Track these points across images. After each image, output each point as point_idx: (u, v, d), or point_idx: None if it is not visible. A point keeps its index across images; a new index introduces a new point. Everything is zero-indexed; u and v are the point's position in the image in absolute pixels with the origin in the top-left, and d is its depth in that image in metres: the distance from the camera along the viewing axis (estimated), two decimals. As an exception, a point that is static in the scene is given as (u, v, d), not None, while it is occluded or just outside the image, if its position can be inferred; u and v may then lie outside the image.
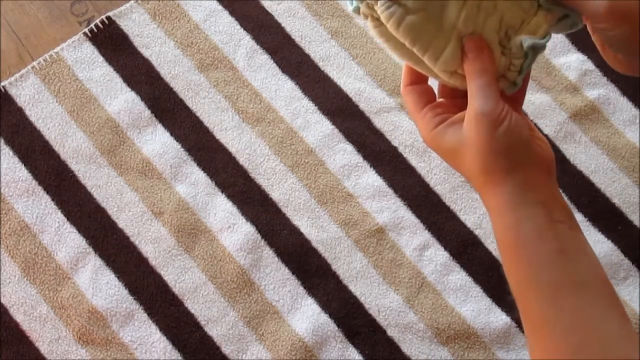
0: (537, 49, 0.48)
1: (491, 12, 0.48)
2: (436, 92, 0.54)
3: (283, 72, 0.89)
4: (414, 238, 0.83)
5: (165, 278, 0.81)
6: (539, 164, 0.48)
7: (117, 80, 0.87)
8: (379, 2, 0.48)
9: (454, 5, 0.48)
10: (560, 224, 0.47)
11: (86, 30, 0.89)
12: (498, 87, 0.48)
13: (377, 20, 0.49)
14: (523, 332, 0.80)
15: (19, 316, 0.79)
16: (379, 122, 0.87)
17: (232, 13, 0.91)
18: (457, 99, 0.52)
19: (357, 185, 0.85)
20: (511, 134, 0.46)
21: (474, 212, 0.84)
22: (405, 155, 0.86)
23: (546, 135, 0.87)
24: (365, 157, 0.86)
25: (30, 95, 0.86)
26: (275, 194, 0.84)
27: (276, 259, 0.82)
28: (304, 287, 0.81)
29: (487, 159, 0.47)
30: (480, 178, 0.48)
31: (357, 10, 0.50)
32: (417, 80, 0.53)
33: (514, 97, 0.52)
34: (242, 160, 0.85)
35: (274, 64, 0.89)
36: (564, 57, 0.90)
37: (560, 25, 0.49)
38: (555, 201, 0.48)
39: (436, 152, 0.51)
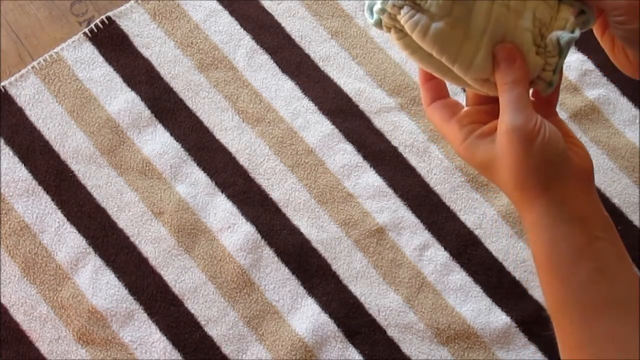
0: (570, 45, 0.46)
1: (522, 11, 0.46)
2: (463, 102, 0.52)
3: (283, 72, 0.89)
4: (414, 238, 0.83)
5: (165, 278, 0.81)
6: (577, 174, 0.46)
7: (117, 80, 0.87)
8: (402, 11, 0.45)
9: (481, 7, 0.45)
10: (600, 241, 0.45)
11: (86, 30, 0.89)
12: (530, 98, 0.45)
13: (400, 31, 0.46)
14: (523, 332, 0.80)
15: (19, 316, 0.79)
16: (379, 122, 0.87)
17: (232, 13, 0.91)
18: (485, 104, 0.50)
19: (357, 185, 0.85)
20: (546, 149, 0.44)
21: (474, 212, 0.84)
22: (405, 155, 0.86)
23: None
24: (365, 157, 0.86)
25: (30, 95, 0.86)
26: (275, 194, 0.84)
27: (276, 259, 0.82)
28: (304, 287, 0.81)
29: (522, 175, 0.45)
30: (516, 194, 0.46)
31: (378, 24, 0.47)
32: (439, 95, 0.51)
33: (547, 99, 0.50)
34: (242, 160, 0.85)
35: (274, 64, 0.89)
36: (564, 57, 0.90)
37: (575, 21, 0.47)
38: (596, 215, 0.46)
39: (470, 164, 0.49)
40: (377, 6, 0.46)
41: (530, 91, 0.50)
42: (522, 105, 0.45)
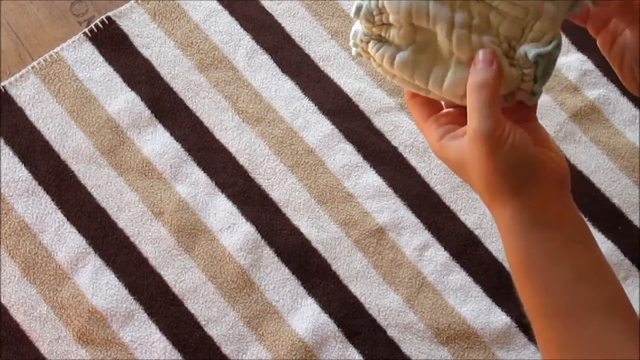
0: (545, 56, 0.46)
1: (485, 29, 0.46)
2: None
3: (283, 72, 0.89)
4: (414, 238, 0.83)
5: (165, 278, 0.81)
6: (549, 179, 0.45)
7: (117, 80, 0.87)
8: (369, 45, 0.47)
9: (441, 32, 0.46)
10: (576, 245, 0.44)
11: (86, 30, 0.89)
12: (499, 103, 0.45)
13: (375, 60, 0.49)
14: (523, 332, 0.80)
15: (19, 316, 0.79)
16: (379, 122, 0.87)
17: (232, 13, 0.91)
18: (461, 109, 0.50)
19: (357, 185, 0.85)
20: (513, 154, 0.44)
21: (474, 212, 0.84)
22: (405, 155, 0.86)
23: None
24: (365, 157, 0.86)
25: (30, 95, 0.86)
26: (275, 194, 0.84)
27: (276, 259, 0.82)
28: (304, 287, 0.81)
29: (490, 179, 0.45)
30: (486, 197, 0.46)
31: (358, 55, 0.50)
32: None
33: (525, 104, 0.49)
34: (242, 160, 0.85)
35: (274, 64, 0.89)
36: (564, 57, 0.90)
37: (570, 12, 0.48)
38: (571, 218, 0.45)
39: (444, 163, 0.49)
40: (351, 41, 0.49)
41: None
42: (489, 110, 0.44)
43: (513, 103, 0.48)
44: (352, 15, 0.47)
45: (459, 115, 0.49)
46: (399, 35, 0.46)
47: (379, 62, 0.48)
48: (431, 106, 0.50)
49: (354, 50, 0.49)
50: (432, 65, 0.47)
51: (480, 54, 0.45)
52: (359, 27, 0.48)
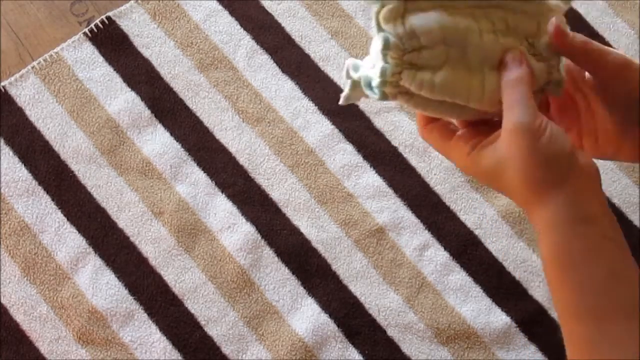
0: None
1: (507, 32, 0.47)
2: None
3: (283, 72, 0.89)
4: (414, 238, 0.83)
5: (165, 278, 0.81)
6: (585, 172, 0.45)
7: (117, 80, 0.87)
8: (402, 76, 0.46)
9: (472, 42, 0.46)
10: (610, 242, 0.44)
11: (86, 30, 0.89)
12: (535, 98, 0.46)
13: (406, 94, 0.47)
14: (523, 332, 0.80)
15: (19, 316, 0.79)
16: (379, 122, 0.87)
17: (232, 13, 0.91)
18: (479, 126, 0.50)
19: (357, 185, 0.85)
20: (553, 145, 0.44)
21: (474, 212, 0.84)
22: (405, 155, 0.86)
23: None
24: (365, 157, 0.86)
25: (30, 95, 0.86)
26: (275, 194, 0.84)
27: (276, 259, 0.82)
28: (304, 287, 0.81)
29: (530, 172, 0.45)
30: (525, 194, 0.46)
31: (384, 96, 0.47)
32: (433, 119, 0.51)
33: (545, 105, 0.50)
34: (242, 160, 0.85)
35: (274, 64, 0.89)
36: (563, 58, 0.90)
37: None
38: (605, 216, 0.45)
39: (476, 177, 0.49)
40: (376, 81, 0.47)
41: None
42: (527, 102, 0.45)
43: (540, 100, 0.49)
44: (379, 50, 0.46)
45: (477, 134, 0.49)
46: (434, 56, 0.46)
47: (417, 89, 0.46)
48: (449, 128, 0.51)
49: (379, 92, 0.47)
50: (468, 79, 0.47)
51: (509, 57, 0.46)
52: (383, 64, 0.46)
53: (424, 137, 0.52)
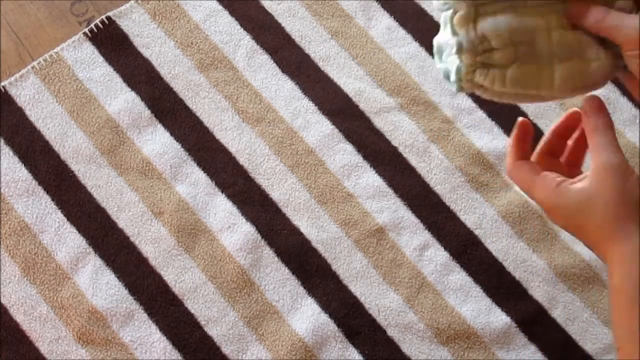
0: None
1: (570, 25, 0.50)
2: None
3: (283, 72, 0.89)
4: (414, 238, 0.83)
5: (165, 278, 0.81)
6: None
7: (117, 80, 0.88)
8: (476, 74, 0.50)
9: (540, 37, 0.49)
10: None
11: (86, 30, 0.89)
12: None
13: (481, 87, 0.51)
14: (523, 332, 0.80)
15: (19, 316, 0.79)
16: (379, 122, 0.87)
17: (232, 13, 0.91)
18: (556, 167, 0.55)
19: (357, 185, 0.85)
20: (638, 184, 0.49)
21: (474, 212, 0.84)
22: (405, 155, 0.86)
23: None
24: (365, 157, 0.86)
25: (30, 95, 0.86)
26: (275, 194, 0.84)
27: (276, 259, 0.82)
28: (304, 287, 0.81)
29: (619, 209, 0.48)
30: (610, 229, 0.49)
31: (461, 89, 0.51)
32: (526, 156, 0.55)
33: (575, 161, 0.56)
34: (242, 160, 0.85)
35: (274, 64, 0.89)
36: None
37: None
38: None
39: (556, 212, 0.52)
40: (453, 77, 0.51)
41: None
42: (616, 147, 0.50)
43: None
44: (453, 53, 0.50)
45: (565, 172, 0.54)
46: (504, 55, 0.49)
47: (490, 86, 0.50)
48: (536, 165, 0.55)
49: (456, 86, 0.51)
50: (538, 71, 0.50)
51: (588, 105, 0.51)
52: (458, 63, 0.50)
53: (511, 175, 0.55)
